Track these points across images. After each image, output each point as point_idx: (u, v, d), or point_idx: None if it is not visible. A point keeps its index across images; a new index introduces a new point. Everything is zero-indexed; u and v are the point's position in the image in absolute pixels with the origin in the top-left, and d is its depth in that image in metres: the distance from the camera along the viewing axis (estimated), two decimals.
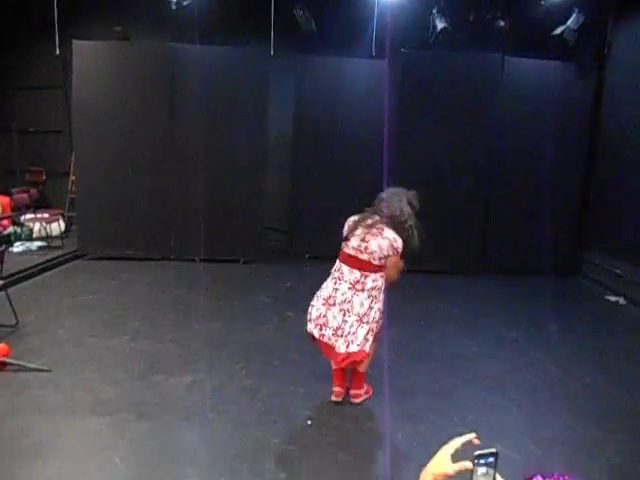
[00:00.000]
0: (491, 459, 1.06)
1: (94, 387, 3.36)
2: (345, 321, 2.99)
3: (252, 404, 3.21)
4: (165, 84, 6.44)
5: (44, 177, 8.53)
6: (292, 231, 7.22)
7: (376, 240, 3.01)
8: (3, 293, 4.41)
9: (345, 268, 3.08)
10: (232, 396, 3.29)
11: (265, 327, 4.49)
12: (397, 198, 3.21)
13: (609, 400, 3.50)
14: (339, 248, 3.19)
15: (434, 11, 6.38)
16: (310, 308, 3.20)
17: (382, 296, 3.09)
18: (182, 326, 4.46)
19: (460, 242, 6.67)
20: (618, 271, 6.07)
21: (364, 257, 3.01)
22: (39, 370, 3.55)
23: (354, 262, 3.04)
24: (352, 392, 3.32)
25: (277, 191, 7.54)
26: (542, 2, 6.18)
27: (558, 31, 6.36)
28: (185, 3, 6.40)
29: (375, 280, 3.02)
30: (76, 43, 6.35)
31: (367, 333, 2.99)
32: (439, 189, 6.56)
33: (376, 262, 3.01)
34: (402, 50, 6.41)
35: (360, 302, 3.00)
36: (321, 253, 7.05)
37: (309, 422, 3.04)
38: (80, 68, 6.36)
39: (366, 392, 3.36)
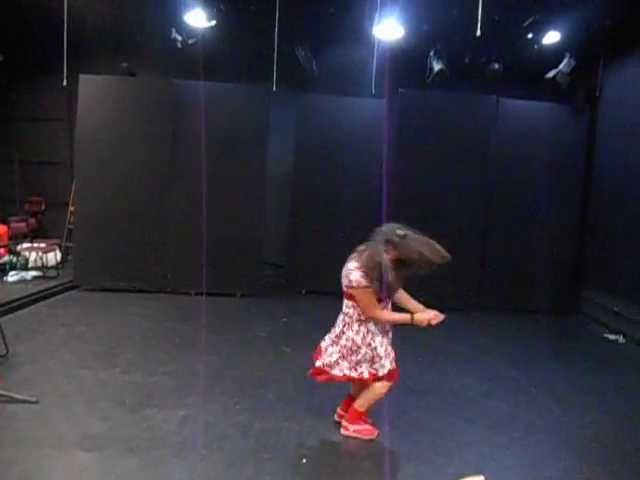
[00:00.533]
0: None
1: (82, 420, 3.26)
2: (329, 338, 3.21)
3: (246, 440, 3.11)
4: (168, 119, 6.55)
5: (43, 207, 8.57)
6: (289, 266, 7.19)
7: (345, 265, 3.09)
8: None
9: None
10: (226, 432, 3.19)
11: (261, 362, 4.40)
12: (375, 242, 3.14)
13: (613, 440, 3.41)
14: (337, 284, 3.17)
15: (431, 53, 6.58)
16: None
17: (359, 328, 3.05)
18: (176, 359, 4.37)
19: (458, 279, 6.64)
20: (616, 309, 6.04)
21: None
22: (27, 402, 3.44)
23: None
24: (343, 422, 3.28)
25: (275, 226, 7.58)
26: (535, 46, 6.37)
27: (551, 74, 6.57)
28: (191, 42, 6.59)
29: (347, 306, 3.10)
30: (83, 77, 6.49)
31: (338, 356, 3.08)
32: (437, 227, 6.56)
33: (344, 288, 3.09)
34: (400, 90, 6.57)
35: (338, 323, 3.17)
36: (318, 289, 7.04)
37: (304, 460, 2.93)
38: (85, 101, 6.47)
39: (358, 431, 3.23)
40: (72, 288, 6.59)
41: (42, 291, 6.21)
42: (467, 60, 6.99)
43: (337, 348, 3.10)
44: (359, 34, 6.50)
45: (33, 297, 5.97)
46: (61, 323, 5.24)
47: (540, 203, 6.68)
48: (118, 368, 4.09)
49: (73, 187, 7.66)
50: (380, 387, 3.13)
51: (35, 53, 8.10)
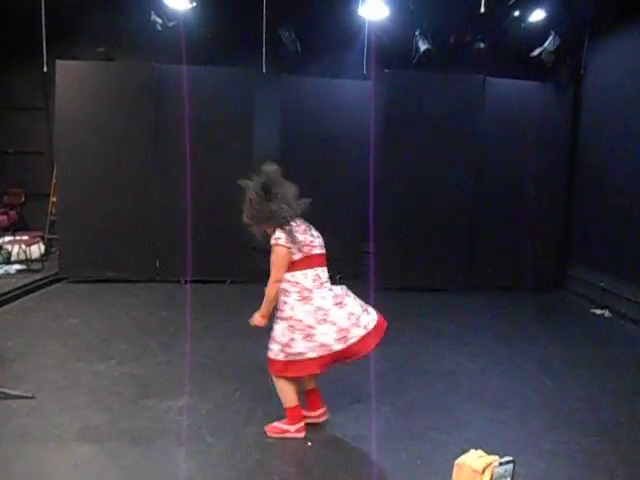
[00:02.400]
0: (510, 465, 1.15)
1: (82, 413, 3.22)
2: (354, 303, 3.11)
3: (249, 427, 3.11)
4: (150, 104, 6.40)
5: (23, 199, 8.35)
6: None
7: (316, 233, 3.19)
8: None
9: (320, 270, 3.18)
10: (228, 419, 3.18)
11: (257, 347, 4.34)
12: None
13: (607, 412, 3.50)
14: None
15: (417, 33, 6.52)
16: None
17: (286, 300, 2.96)
18: (171, 348, 4.34)
19: (445, 259, 6.71)
20: (602, 284, 6.16)
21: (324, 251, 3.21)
22: (22, 397, 3.38)
23: (322, 259, 3.22)
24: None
25: None
26: (522, 24, 6.36)
27: (536, 53, 6.58)
28: (171, 24, 6.42)
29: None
30: (60, 63, 6.29)
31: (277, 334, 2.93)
32: (424, 207, 6.63)
33: (323, 252, 3.22)
34: (385, 71, 6.51)
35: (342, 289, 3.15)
36: None
37: (309, 443, 2.95)
38: (63, 88, 6.28)
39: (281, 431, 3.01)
40: (58, 280, 6.46)
41: (27, 285, 6.08)
42: (453, 39, 6.95)
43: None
44: (345, 15, 6.40)
45: (18, 291, 5.84)
46: (50, 316, 5.15)
47: (526, 182, 6.74)
48: (113, 360, 4.04)
49: (54, 177, 7.48)
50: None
51: (10, 40, 7.82)
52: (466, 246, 6.79)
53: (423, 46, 6.41)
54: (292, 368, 2.87)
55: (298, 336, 2.82)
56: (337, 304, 2.94)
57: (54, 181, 7.46)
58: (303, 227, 3.08)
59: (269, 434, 3.00)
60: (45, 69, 5.89)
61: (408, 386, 3.79)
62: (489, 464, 1.17)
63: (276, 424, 3.03)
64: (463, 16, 6.38)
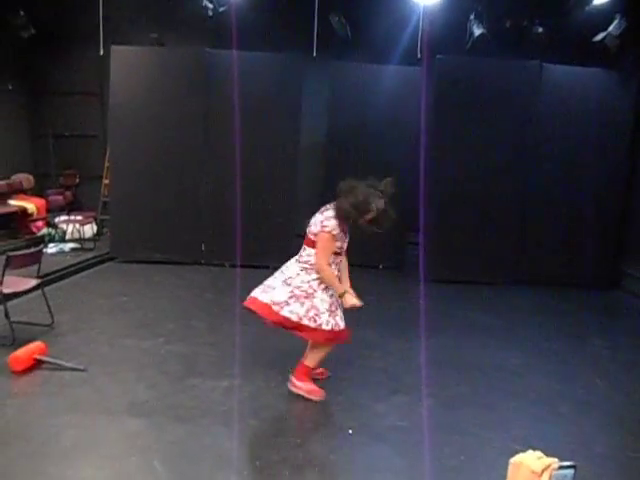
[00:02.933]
0: (570, 471, 1.10)
1: (130, 388, 3.32)
2: (275, 278, 3.30)
3: (291, 411, 3.13)
4: (201, 89, 6.47)
5: (77, 180, 8.67)
6: None
7: (315, 216, 3.27)
8: (39, 292, 4.44)
9: None
10: (271, 402, 3.21)
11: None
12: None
13: None
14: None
15: (471, 17, 6.30)
16: None
17: (315, 283, 3.18)
18: (217, 330, 4.42)
19: (494, 251, 6.51)
20: None
21: (306, 231, 3.28)
22: (75, 369, 3.52)
23: (304, 238, 3.32)
24: (290, 377, 3.32)
25: (309, 198, 7.50)
26: (586, 7, 6.02)
27: (599, 37, 6.22)
28: (221, 9, 6.46)
29: (309, 255, 3.23)
30: (115, 48, 6.44)
31: (289, 296, 3.14)
32: (475, 197, 6.44)
33: (311, 236, 3.22)
34: (438, 57, 6.33)
35: (292, 267, 3.27)
36: (351, 261, 6.99)
37: (350, 431, 2.93)
38: (118, 73, 6.43)
39: (302, 389, 3.25)
40: (109, 260, 6.69)
41: (80, 262, 6.33)
42: (508, 24, 6.69)
43: (287, 289, 3.18)
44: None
45: (72, 269, 6.08)
46: (101, 294, 5.34)
47: (584, 175, 6.43)
48: (161, 338, 4.15)
49: (106, 160, 7.72)
50: (326, 346, 3.24)
51: (66, 27, 8.09)
52: (517, 239, 6.56)
53: (477, 31, 6.19)
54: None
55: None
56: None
57: (107, 164, 7.70)
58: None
59: (294, 388, 3.26)
60: (101, 52, 6.03)
61: (452, 379, 3.71)
62: (548, 466, 1.11)
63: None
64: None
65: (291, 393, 3.32)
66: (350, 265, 6.77)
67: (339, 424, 3.01)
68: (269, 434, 2.86)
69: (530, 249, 6.60)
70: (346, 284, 3.38)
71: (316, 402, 3.22)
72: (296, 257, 3.32)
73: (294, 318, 3.10)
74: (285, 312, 3.12)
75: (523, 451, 1.17)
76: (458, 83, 6.34)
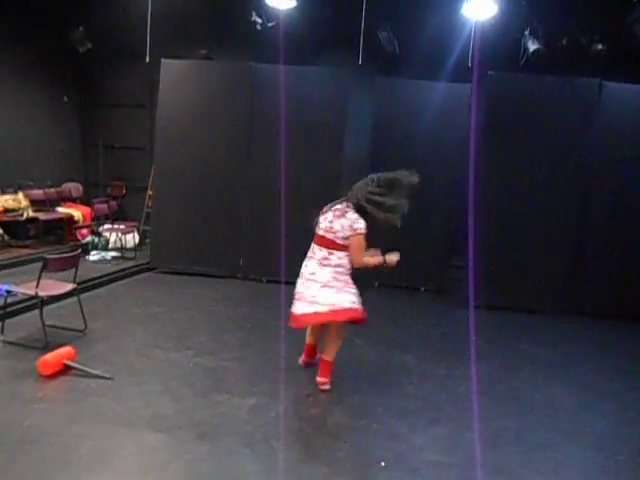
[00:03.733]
0: None
1: (154, 400, 3.20)
2: (310, 288, 3.37)
3: (320, 436, 2.91)
4: (246, 104, 6.46)
5: (124, 191, 8.85)
6: None
7: (339, 220, 3.37)
8: (75, 298, 4.44)
9: (316, 247, 3.50)
10: (297, 425, 3.00)
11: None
12: (363, 183, 3.45)
13: None
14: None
15: (526, 32, 6.06)
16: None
17: (347, 277, 3.41)
18: (248, 345, 4.26)
19: (543, 278, 6.10)
20: None
21: (330, 236, 3.39)
22: (102, 377, 3.45)
23: (322, 241, 3.44)
24: (318, 380, 3.44)
25: None
26: None
27: None
28: (270, 24, 6.48)
29: (340, 258, 3.37)
30: (164, 62, 6.56)
31: (336, 293, 3.32)
32: (524, 221, 6.09)
33: (339, 241, 3.36)
34: (489, 73, 6.09)
35: (324, 273, 3.36)
36: (390, 282, 6.75)
37: (383, 463, 2.68)
38: (166, 86, 6.54)
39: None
40: (148, 270, 6.71)
41: (120, 271, 6.37)
42: (565, 41, 6.39)
43: (331, 290, 3.33)
44: (447, 14, 6.09)
45: (112, 276, 6.13)
46: (137, 303, 5.31)
47: None
48: (190, 350, 4.03)
49: (152, 172, 7.83)
50: (341, 335, 3.49)
51: (118, 41, 8.36)
52: (568, 266, 6.12)
53: (532, 46, 5.95)
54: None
55: None
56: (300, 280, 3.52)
57: (152, 176, 7.81)
58: (328, 211, 3.51)
59: (327, 386, 3.43)
60: (148, 59, 6.15)
61: (497, 413, 3.39)
62: None
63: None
64: (579, 13, 5.82)
65: (319, 416, 3.11)
66: (391, 286, 6.62)
67: (372, 454, 2.76)
68: (295, 460, 2.65)
69: (582, 278, 6.14)
70: (372, 252, 3.49)
71: (347, 429, 2.99)
72: (318, 260, 3.42)
73: (356, 306, 3.35)
74: (347, 304, 3.31)
75: None
76: (510, 101, 6.06)
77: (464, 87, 6.50)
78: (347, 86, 6.37)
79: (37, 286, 3.87)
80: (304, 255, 6.62)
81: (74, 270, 4.22)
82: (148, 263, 6.78)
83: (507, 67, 6.21)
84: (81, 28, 7.61)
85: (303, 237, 6.42)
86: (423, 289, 6.75)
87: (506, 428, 3.20)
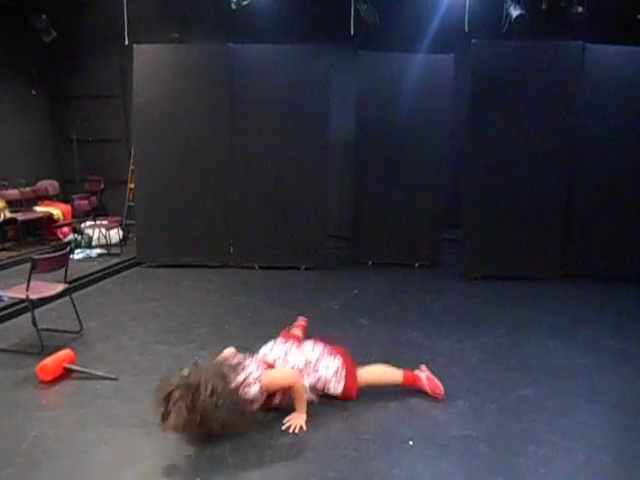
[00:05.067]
0: None
1: None
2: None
3: (344, 421, 2.83)
4: (225, 86, 6.25)
5: (102, 186, 8.55)
6: (354, 237, 6.87)
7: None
8: (66, 299, 4.25)
9: None
10: (320, 411, 2.91)
11: (340, 335, 4.09)
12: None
13: None
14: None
15: None
16: None
17: None
18: (251, 334, 4.14)
19: (538, 245, 6.12)
20: None
21: None
22: (106, 378, 3.30)
23: None
24: None
25: (339, 197, 7.24)
26: None
27: None
28: (245, 3, 6.24)
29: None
30: (137, 47, 6.27)
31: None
32: (515, 189, 6.07)
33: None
34: (473, 41, 5.98)
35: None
36: (385, 260, 6.71)
37: (411, 442, 2.62)
38: (140, 72, 6.25)
39: None
40: (136, 264, 6.51)
41: (108, 268, 6.17)
42: (545, 5, 6.32)
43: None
44: None
45: (100, 274, 5.92)
46: (129, 299, 5.14)
47: (630, 162, 6.01)
48: (194, 344, 3.91)
49: (130, 165, 7.57)
50: None
51: (86, 30, 8.00)
52: (561, 231, 6.15)
53: (515, 12, 5.85)
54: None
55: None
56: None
57: (131, 167, 7.55)
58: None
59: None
60: (127, 41, 5.86)
61: (513, 382, 3.36)
62: None
63: None
64: None
65: (340, 402, 3.02)
66: (385, 264, 6.58)
67: (397, 434, 2.70)
68: (321, 447, 2.57)
69: (575, 243, 6.18)
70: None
71: (368, 412, 2.92)
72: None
73: None
74: None
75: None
76: (495, 69, 5.98)
77: (446, 58, 6.42)
78: (329, 63, 6.19)
79: (27, 289, 3.68)
80: (291, 239, 6.53)
81: (62, 270, 4.03)
82: (135, 258, 6.58)
83: (490, 34, 6.11)
84: (44, 16, 7.22)
85: (291, 221, 6.36)
86: (417, 264, 6.72)
87: (525, 396, 3.18)
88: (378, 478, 2.34)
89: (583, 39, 5.99)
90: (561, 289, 5.76)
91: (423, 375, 3.15)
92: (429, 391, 3.09)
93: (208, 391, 2.43)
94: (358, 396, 2.99)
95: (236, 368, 2.69)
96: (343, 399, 2.98)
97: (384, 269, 6.52)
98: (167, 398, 2.44)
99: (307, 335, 3.75)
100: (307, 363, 2.94)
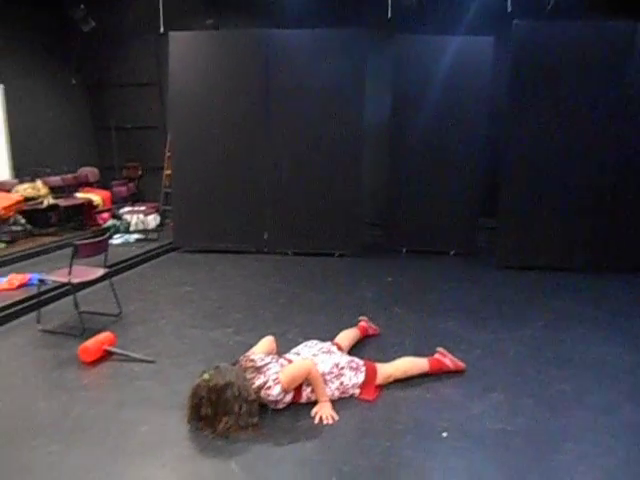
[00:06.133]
0: None
1: None
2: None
3: (376, 410, 2.82)
4: (260, 72, 6.24)
5: (140, 172, 8.72)
6: (389, 224, 6.80)
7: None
8: (106, 283, 4.38)
9: None
10: (353, 401, 2.91)
11: (374, 323, 4.08)
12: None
13: None
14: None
15: None
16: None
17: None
18: (286, 320, 4.18)
19: (579, 236, 5.90)
20: None
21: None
22: (145, 361, 3.39)
23: None
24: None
25: (373, 182, 7.16)
26: None
27: None
28: None
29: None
30: (172, 35, 6.33)
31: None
32: (556, 178, 5.86)
33: None
34: (515, 22, 5.77)
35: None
36: (419, 248, 6.62)
37: (445, 434, 2.59)
38: (176, 59, 6.32)
39: None
40: (172, 250, 6.64)
41: (145, 253, 6.31)
42: None
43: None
44: None
45: (138, 259, 6.07)
46: (166, 284, 5.26)
47: None
48: (229, 329, 3.96)
49: (167, 151, 7.69)
50: None
51: (123, 18, 8.10)
52: (605, 222, 5.92)
53: None
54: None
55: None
56: None
57: (167, 154, 7.67)
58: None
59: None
60: (162, 29, 5.90)
61: (551, 376, 3.27)
62: None
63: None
64: None
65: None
66: (419, 251, 6.50)
67: (431, 425, 2.67)
68: (354, 436, 2.57)
69: (618, 234, 5.93)
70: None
71: (402, 401, 2.91)
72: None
73: None
74: None
75: None
76: (538, 51, 5.74)
77: (487, 40, 6.22)
78: (366, 47, 6.09)
79: (69, 273, 3.80)
80: (325, 225, 6.51)
81: (102, 255, 4.14)
82: (172, 243, 6.71)
83: (533, 15, 5.86)
84: (82, 6, 7.35)
85: (325, 207, 6.34)
86: (452, 253, 6.61)
87: (564, 392, 3.09)
88: (410, 469, 2.32)
89: (635, 18, 5.68)
90: (604, 281, 5.55)
91: (445, 358, 3.23)
92: (454, 368, 3.20)
93: (230, 393, 2.50)
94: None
95: (260, 369, 2.73)
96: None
97: (418, 257, 6.45)
98: (192, 400, 2.55)
99: (367, 335, 3.77)
100: (333, 366, 2.94)
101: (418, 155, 6.53)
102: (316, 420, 2.68)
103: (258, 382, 2.67)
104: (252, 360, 2.81)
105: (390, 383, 3.05)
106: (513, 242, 6.02)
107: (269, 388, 2.67)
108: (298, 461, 2.37)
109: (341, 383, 2.91)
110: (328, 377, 2.88)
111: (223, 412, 2.51)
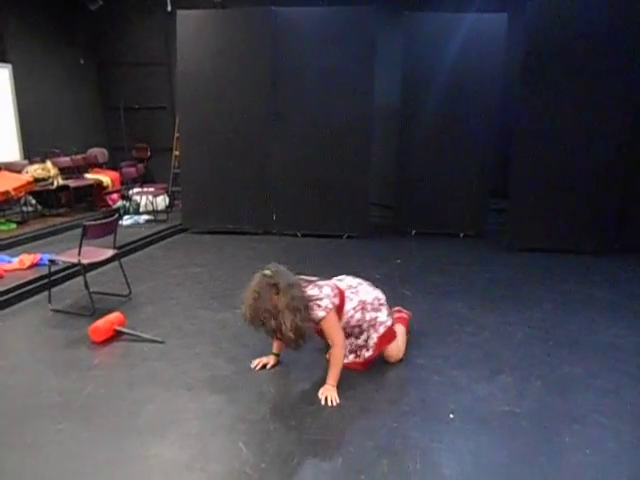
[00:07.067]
0: None
1: (209, 361, 3.17)
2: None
3: (382, 391, 2.84)
4: (267, 50, 6.17)
5: (149, 153, 8.72)
6: (398, 206, 6.75)
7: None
8: (115, 264, 4.41)
9: None
10: (358, 381, 2.93)
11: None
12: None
13: None
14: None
15: None
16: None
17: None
18: None
19: (590, 218, 5.83)
20: None
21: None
22: (154, 341, 3.43)
23: None
24: None
25: (382, 164, 7.10)
26: None
27: None
28: None
29: None
30: (180, 13, 6.25)
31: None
32: (568, 158, 5.76)
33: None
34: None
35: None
36: (428, 229, 6.58)
37: (451, 416, 2.60)
38: (184, 38, 6.26)
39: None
40: (181, 231, 6.67)
41: (154, 234, 6.34)
42: None
43: None
44: None
45: (147, 240, 6.10)
46: (175, 264, 5.28)
47: None
48: (237, 310, 3.91)
49: (175, 132, 7.66)
50: None
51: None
52: (616, 203, 5.82)
53: None
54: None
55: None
56: None
57: (176, 135, 7.64)
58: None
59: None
60: (169, 8, 5.83)
61: (560, 359, 3.26)
62: None
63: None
64: None
65: (380, 370, 3.03)
66: (428, 233, 6.46)
67: (438, 407, 2.68)
68: (360, 417, 2.58)
69: (631, 215, 5.85)
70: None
71: (409, 383, 2.92)
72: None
73: None
74: None
75: None
76: (552, 29, 5.59)
77: (499, 17, 6.07)
78: (374, 24, 5.97)
79: (79, 254, 3.83)
80: (334, 207, 6.49)
81: (111, 236, 4.16)
82: (181, 224, 6.73)
83: None
84: None
85: (334, 189, 6.30)
86: (462, 235, 6.56)
87: (572, 374, 3.08)
88: (417, 450, 2.34)
89: None
90: (614, 263, 5.49)
91: (401, 313, 3.46)
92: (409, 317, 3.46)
93: (285, 291, 2.67)
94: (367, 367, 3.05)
95: (315, 283, 2.89)
96: (368, 361, 3.04)
97: (427, 239, 6.41)
98: (250, 290, 2.82)
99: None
100: (375, 299, 3.05)
101: (428, 136, 6.44)
102: (322, 401, 2.70)
103: (312, 292, 2.79)
104: (305, 276, 2.96)
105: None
106: (523, 224, 5.96)
107: (318, 307, 2.76)
108: (304, 442, 2.39)
109: (376, 318, 3.01)
110: (369, 307, 3.00)
111: (287, 308, 2.63)
